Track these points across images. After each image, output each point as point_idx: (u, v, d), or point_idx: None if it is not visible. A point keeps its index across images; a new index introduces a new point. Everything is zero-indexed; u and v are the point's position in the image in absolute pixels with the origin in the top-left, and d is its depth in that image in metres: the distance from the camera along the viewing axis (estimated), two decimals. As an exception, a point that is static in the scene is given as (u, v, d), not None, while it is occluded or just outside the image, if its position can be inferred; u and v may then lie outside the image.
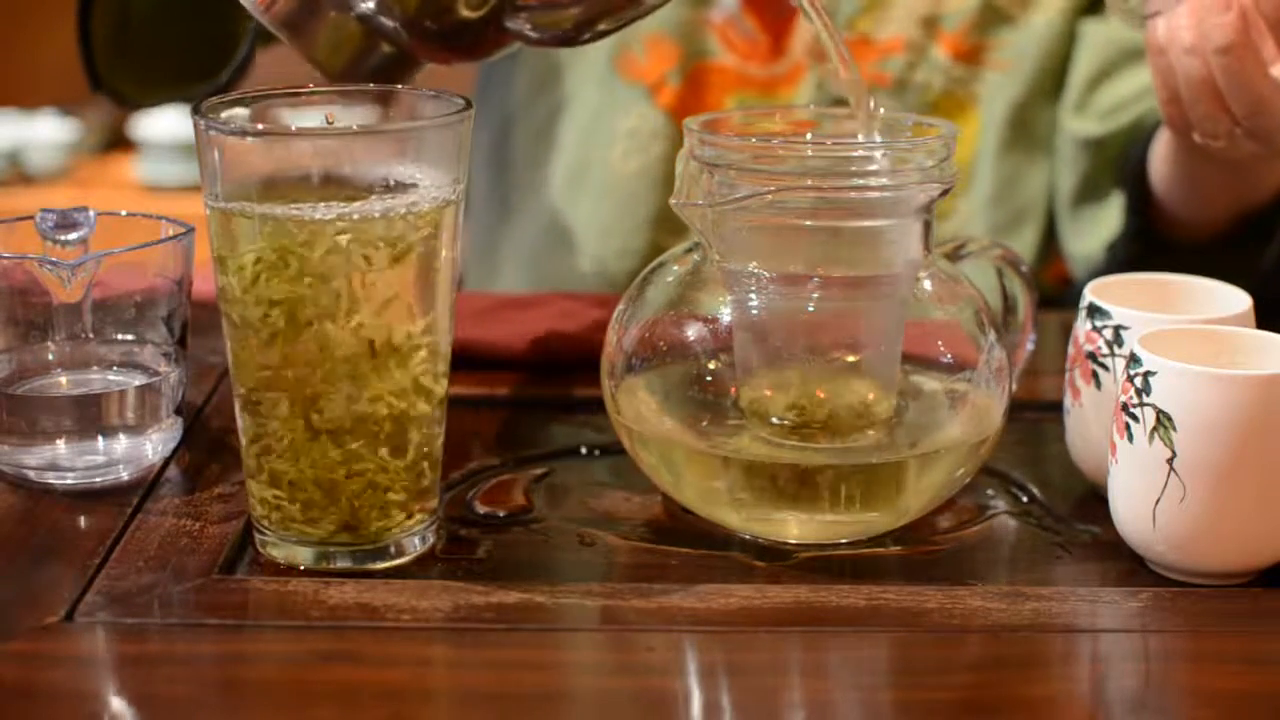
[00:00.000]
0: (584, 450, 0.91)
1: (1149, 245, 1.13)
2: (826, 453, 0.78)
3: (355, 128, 0.74)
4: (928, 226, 0.80)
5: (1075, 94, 1.22)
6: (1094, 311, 0.82)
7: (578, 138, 1.26)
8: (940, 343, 0.81)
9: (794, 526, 0.79)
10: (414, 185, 0.73)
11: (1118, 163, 1.19)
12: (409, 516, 0.76)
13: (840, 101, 0.98)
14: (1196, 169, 1.08)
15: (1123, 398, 0.75)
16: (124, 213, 0.86)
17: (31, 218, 0.84)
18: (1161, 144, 1.11)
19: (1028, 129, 1.24)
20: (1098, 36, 1.22)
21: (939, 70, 1.22)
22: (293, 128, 0.76)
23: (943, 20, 1.22)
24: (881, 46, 1.22)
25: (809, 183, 0.77)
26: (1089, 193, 1.22)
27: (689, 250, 0.82)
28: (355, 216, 0.71)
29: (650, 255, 1.24)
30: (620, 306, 0.83)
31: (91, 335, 0.84)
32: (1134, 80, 1.19)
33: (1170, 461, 0.73)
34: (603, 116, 1.25)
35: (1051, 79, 1.24)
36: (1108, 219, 1.20)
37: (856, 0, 1.22)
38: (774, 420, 0.79)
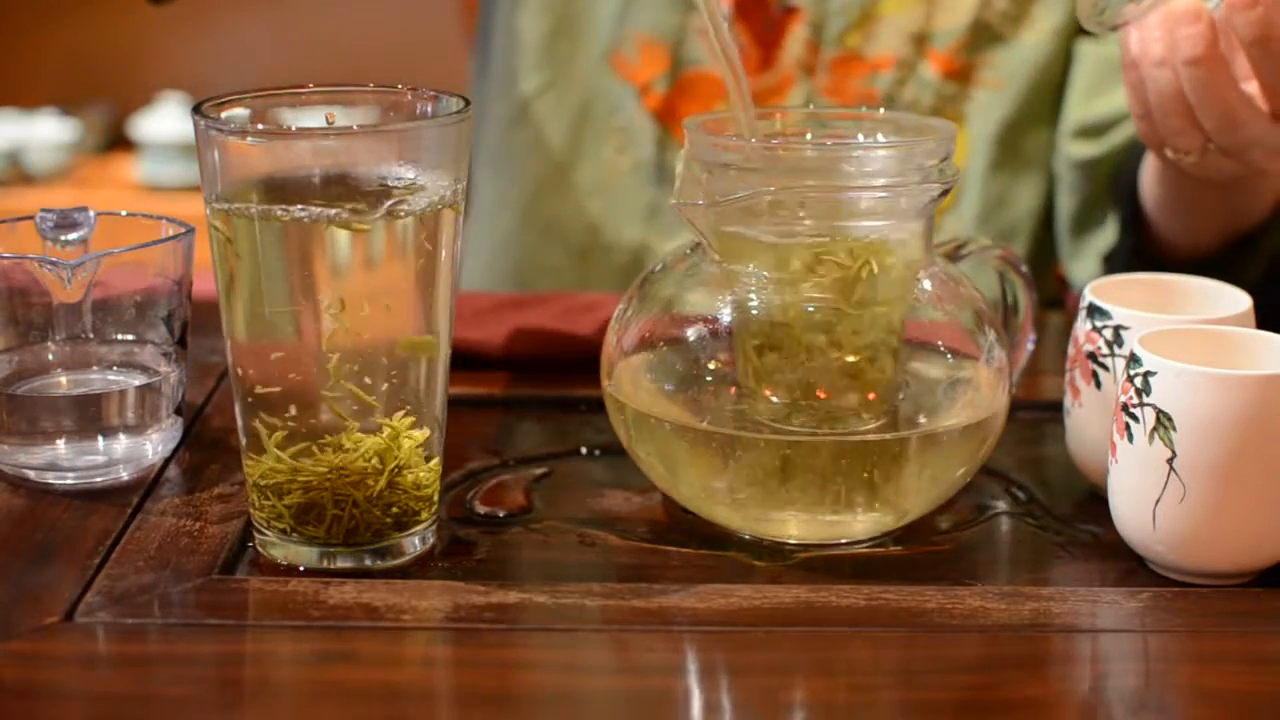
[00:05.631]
0: (584, 450, 0.91)
1: (1143, 264, 1.12)
2: (825, 438, 0.78)
3: (355, 128, 0.74)
4: (927, 226, 0.80)
5: (1072, 114, 1.22)
6: (1094, 311, 0.82)
7: (566, 129, 1.26)
8: (940, 342, 0.81)
9: (794, 526, 0.79)
10: (414, 185, 0.73)
11: (1112, 181, 1.19)
12: (409, 517, 0.76)
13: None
14: (1182, 188, 1.08)
15: (1123, 398, 0.75)
16: (124, 213, 0.86)
17: (31, 218, 0.84)
18: (1149, 163, 1.11)
19: (1017, 148, 1.24)
20: (1093, 55, 1.21)
21: (928, 88, 1.22)
22: (293, 128, 0.76)
23: (933, 38, 1.22)
24: (871, 63, 1.22)
25: (809, 183, 0.77)
26: (1089, 217, 1.21)
27: (689, 250, 0.82)
28: (355, 217, 0.71)
29: (638, 252, 1.24)
30: (620, 306, 0.83)
31: (91, 335, 0.84)
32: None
33: (1170, 461, 0.73)
34: (594, 110, 1.25)
35: (1043, 99, 1.23)
36: (1108, 242, 1.20)
37: (846, 16, 1.21)
38: (774, 401, 0.79)
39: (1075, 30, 1.22)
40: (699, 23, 1.22)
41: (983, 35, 1.22)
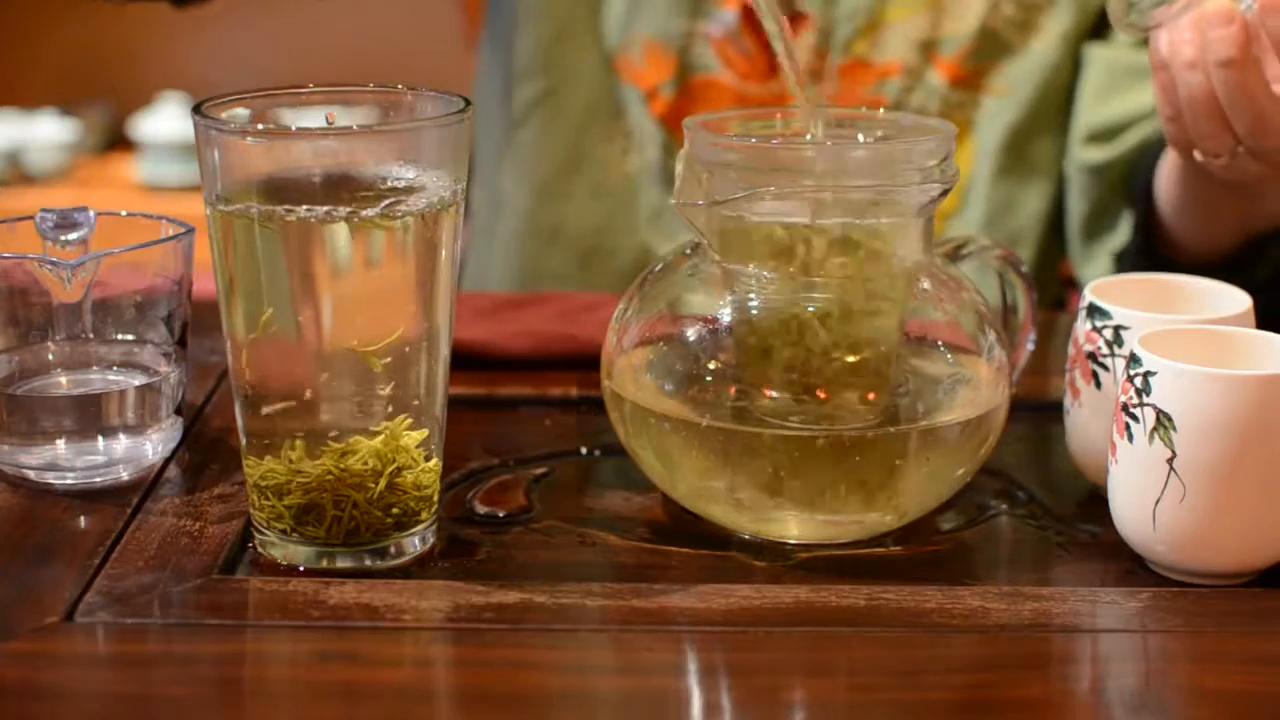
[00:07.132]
0: (584, 450, 0.91)
1: (1152, 264, 1.12)
2: (824, 433, 0.78)
3: (355, 128, 0.74)
4: (928, 226, 0.80)
5: (1083, 119, 1.22)
6: (1094, 311, 0.82)
7: (571, 133, 1.26)
8: (940, 342, 0.81)
9: (794, 526, 0.79)
10: (414, 185, 0.73)
11: (1125, 182, 1.18)
12: (409, 517, 0.76)
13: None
14: (1203, 191, 1.07)
15: (1123, 398, 0.75)
16: (124, 213, 0.86)
17: (31, 218, 0.84)
18: (1167, 165, 1.10)
19: (1024, 154, 1.24)
20: (1103, 59, 1.21)
21: (936, 95, 1.22)
22: (293, 128, 0.76)
23: (940, 45, 1.22)
24: (878, 70, 1.22)
25: (809, 183, 0.77)
26: (1101, 220, 1.21)
27: (689, 250, 0.82)
28: (355, 217, 0.71)
29: (642, 256, 1.24)
30: (620, 306, 0.83)
31: (91, 335, 0.84)
32: (1138, 99, 1.18)
33: (1170, 461, 0.73)
34: (600, 112, 1.25)
35: (1051, 105, 1.23)
36: (1120, 244, 1.19)
37: (854, 23, 1.21)
38: (773, 399, 0.79)
39: (1083, 36, 1.22)
40: (703, 28, 1.22)
41: (990, 43, 1.22)
